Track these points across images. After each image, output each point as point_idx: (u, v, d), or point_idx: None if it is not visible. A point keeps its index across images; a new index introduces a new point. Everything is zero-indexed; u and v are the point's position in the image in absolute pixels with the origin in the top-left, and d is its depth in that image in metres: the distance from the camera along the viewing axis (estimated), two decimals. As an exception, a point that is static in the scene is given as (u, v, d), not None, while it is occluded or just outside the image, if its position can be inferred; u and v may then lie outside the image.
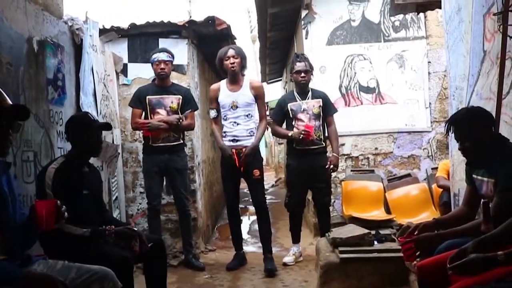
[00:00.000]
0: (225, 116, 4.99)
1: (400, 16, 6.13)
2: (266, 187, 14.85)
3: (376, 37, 6.33)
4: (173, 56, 5.11)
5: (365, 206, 5.85)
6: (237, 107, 4.92)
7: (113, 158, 4.69)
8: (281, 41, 8.67)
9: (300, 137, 4.91)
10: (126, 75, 5.72)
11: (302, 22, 6.41)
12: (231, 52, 4.91)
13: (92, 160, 4.36)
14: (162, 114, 5.00)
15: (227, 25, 5.74)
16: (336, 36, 6.36)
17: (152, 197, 5.06)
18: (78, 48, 4.27)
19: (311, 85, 5.24)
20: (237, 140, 4.92)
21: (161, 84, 5.09)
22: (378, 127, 6.30)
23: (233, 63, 4.87)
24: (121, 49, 5.65)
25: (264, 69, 12.12)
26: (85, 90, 4.35)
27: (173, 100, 5.05)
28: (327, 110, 5.17)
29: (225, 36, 6.08)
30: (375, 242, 4.27)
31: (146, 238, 3.21)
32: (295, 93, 5.19)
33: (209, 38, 6.19)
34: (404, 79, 6.29)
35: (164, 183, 5.26)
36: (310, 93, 5.14)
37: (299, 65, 5.09)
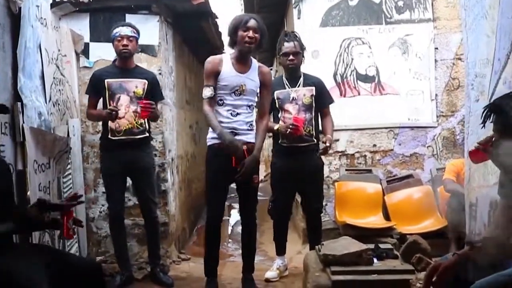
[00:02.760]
0: (221, 100, 3.82)
1: (404, -5, 5.55)
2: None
3: (376, 19, 5.64)
4: (138, 32, 4.34)
5: (361, 211, 5.25)
6: (242, 92, 3.81)
7: (63, 153, 3.92)
8: (271, 25, 7.86)
9: (287, 132, 4.15)
10: (87, 57, 4.95)
11: (293, 1, 5.68)
12: (252, 23, 3.72)
13: (37, 157, 3.65)
14: (124, 100, 4.22)
15: (204, -1, 4.97)
16: (332, 17, 5.64)
17: (115, 202, 4.31)
18: (16, 20, 3.48)
19: (303, 70, 4.48)
20: (236, 134, 3.79)
21: (123, 66, 4.30)
22: (377, 121, 5.63)
23: (252, 38, 3.71)
24: (82, 26, 4.87)
25: (253, 57, 11.31)
26: (26, 71, 3.58)
27: (137, 84, 4.27)
28: (321, 100, 4.41)
29: (204, 14, 5.32)
30: (375, 260, 3.56)
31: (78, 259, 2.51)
32: (284, 79, 4.42)
33: (187, 16, 5.44)
34: (408, 67, 5.62)
35: (129, 183, 4.53)
36: (301, 79, 4.38)
37: (287, 46, 4.32)
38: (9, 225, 2.32)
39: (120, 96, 4.21)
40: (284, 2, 6.41)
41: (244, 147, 3.74)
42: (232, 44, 3.83)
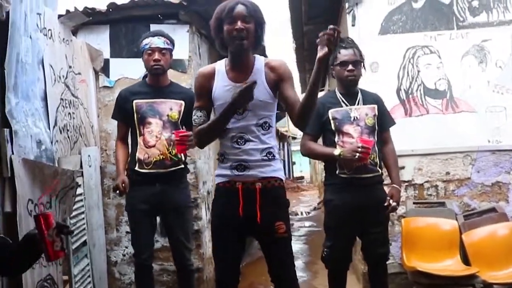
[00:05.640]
0: None
1: (480, -6, 4.82)
2: (307, 209, 13.04)
3: (446, 23, 4.85)
4: (172, 43, 3.69)
5: (433, 253, 4.41)
6: (244, 109, 2.71)
7: (68, 190, 3.24)
8: (321, 39, 7.14)
9: (356, 157, 3.29)
10: (107, 75, 4.37)
11: (347, 5, 4.93)
12: (239, 9, 2.60)
13: (33, 195, 2.99)
14: (155, 126, 3.57)
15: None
16: (393, 23, 4.87)
17: (140, 248, 3.61)
18: (4, 28, 2.86)
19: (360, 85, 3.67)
20: (245, 168, 2.71)
21: (155, 83, 3.66)
22: (451, 144, 4.82)
23: (242, 30, 2.60)
24: (101, 40, 4.32)
25: (304, 77, 10.60)
26: (21, 90, 2.95)
27: (172, 106, 3.61)
28: (382, 121, 3.59)
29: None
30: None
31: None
32: (339, 95, 3.57)
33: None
34: (486, 78, 4.81)
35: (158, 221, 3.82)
36: (360, 95, 3.56)
37: (345, 53, 3.48)
38: None
39: (150, 120, 3.56)
40: (337, 8, 5.67)
41: (258, 184, 2.69)
42: (221, 46, 2.75)
